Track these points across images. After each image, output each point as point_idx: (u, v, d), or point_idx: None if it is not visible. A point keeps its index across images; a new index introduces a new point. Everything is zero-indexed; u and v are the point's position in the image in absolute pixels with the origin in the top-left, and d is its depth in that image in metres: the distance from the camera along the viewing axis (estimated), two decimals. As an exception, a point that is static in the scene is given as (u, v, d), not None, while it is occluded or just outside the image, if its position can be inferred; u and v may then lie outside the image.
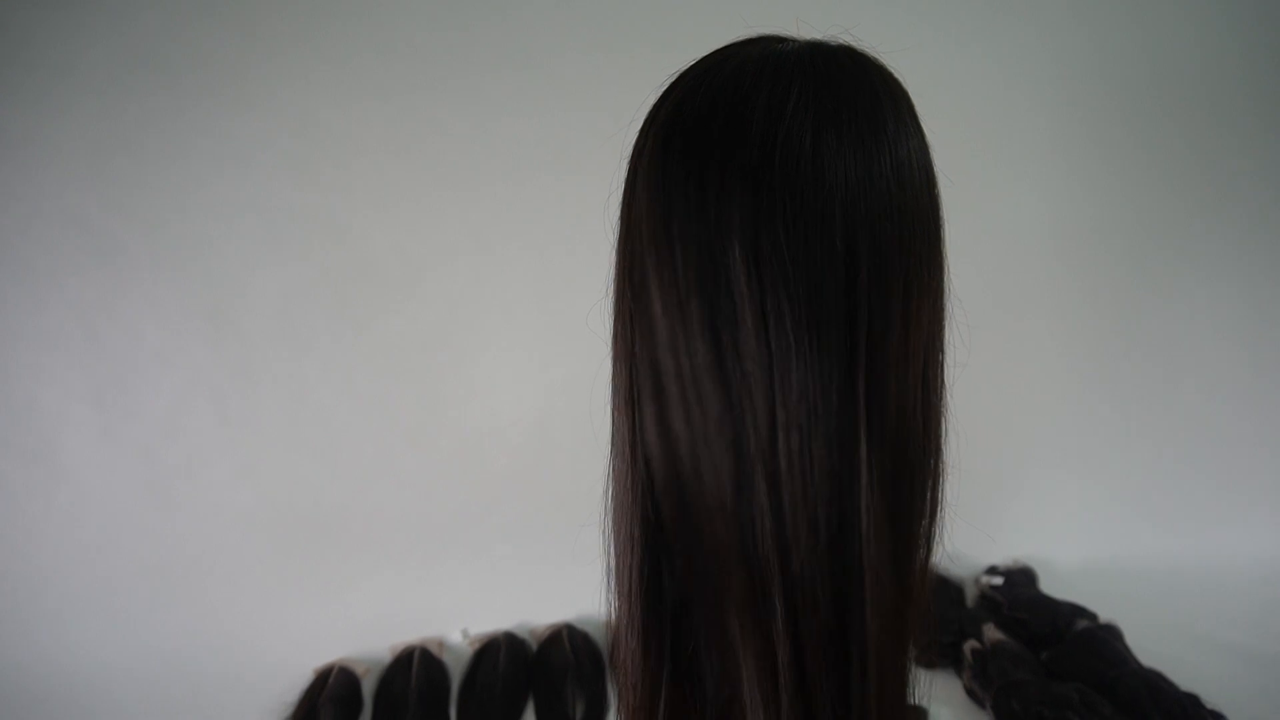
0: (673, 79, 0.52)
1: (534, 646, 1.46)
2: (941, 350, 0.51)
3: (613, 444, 0.54)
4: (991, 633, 1.34)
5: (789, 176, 0.44)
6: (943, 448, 0.52)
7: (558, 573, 1.38)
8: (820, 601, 0.46)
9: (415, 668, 1.39)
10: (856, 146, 0.46)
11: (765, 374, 0.44)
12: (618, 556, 0.54)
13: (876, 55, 0.53)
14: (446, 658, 1.45)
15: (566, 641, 1.43)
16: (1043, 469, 1.74)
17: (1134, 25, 1.63)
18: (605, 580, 0.54)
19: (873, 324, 0.45)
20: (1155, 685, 1.18)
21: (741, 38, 0.54)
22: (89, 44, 1.37)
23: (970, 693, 1.26)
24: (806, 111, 0.45)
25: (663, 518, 0.50)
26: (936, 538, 0.53)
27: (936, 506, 0.52)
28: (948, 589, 1.51)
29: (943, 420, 0.52)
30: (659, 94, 0.52)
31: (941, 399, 0.51)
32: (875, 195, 0.45)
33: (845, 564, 0.46)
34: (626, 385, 0.51)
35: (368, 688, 1.38)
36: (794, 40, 0.52)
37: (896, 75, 0.52)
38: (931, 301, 0.49)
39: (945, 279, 0.51)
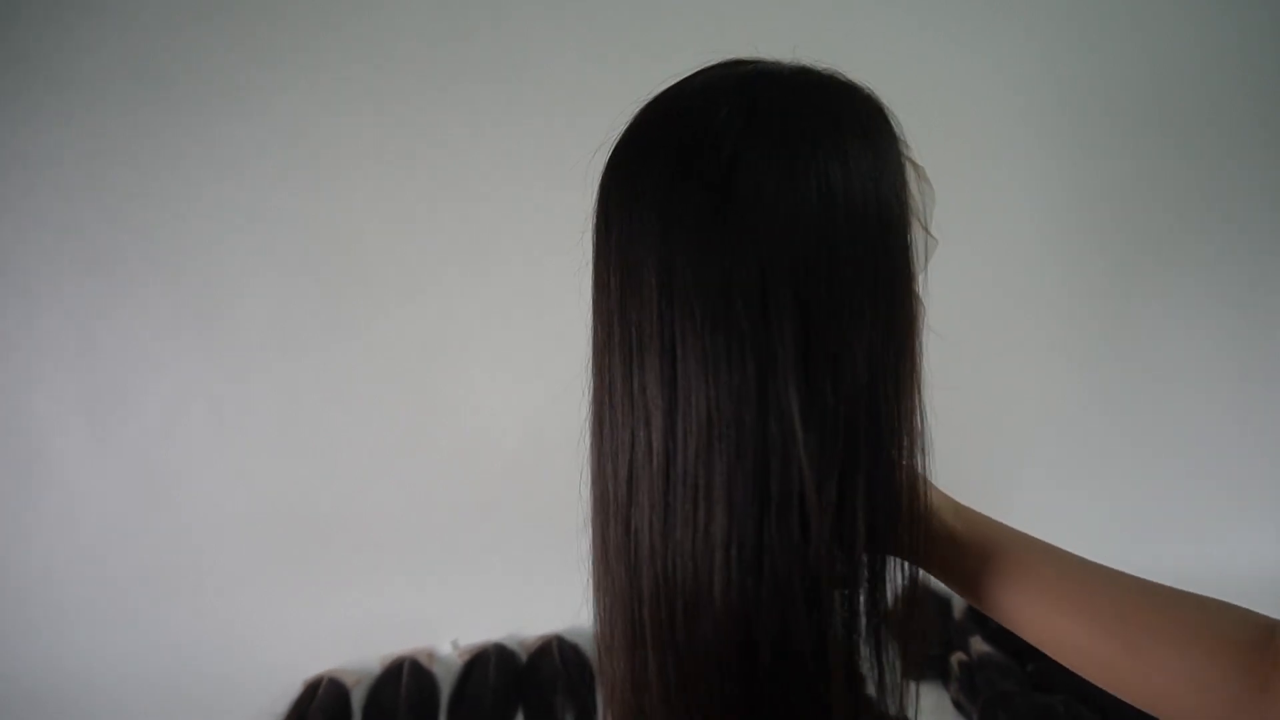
0: (647, 100, 0.53)
1: (524, 658, 1.46)
2: (900, 376, 0.48)
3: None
4: (978, 645, 1.35)
5: (703, 199, 0.44)
6: (911, 481, 0.49)
7: (548, 584, 1.38)
8: (702, 607, 0.46)
9: (405, 679, 1.39)
10: (780, 168, 0.44)
11: (667, 395, 0.45)
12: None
13: (852, 76, 0.52)
14: (436, 669, 1.45)
15: (556, 653, 1.43)
16: (1033, 478, 1.76)
17: (1127, 32, 1.66)
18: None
19: (798, 353, 0.44)
20: (1139, 697, 1.19)
21: (724, 58, 0.55)
22: (84, 57, 1.38)
23: (957, 704, 1.27)
24: (729, 132, 0.45)
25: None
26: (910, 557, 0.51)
27: (897, 540, 0.50)
28: (935, 601, 1.51)
29: (910, 444, 0.49)
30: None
31: (904, 422, 0.48)
32: (800, 218, 0.44)
33: (743, 577, 0.45)
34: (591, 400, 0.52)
35: (357, 699, 1.38)
36: (758, 62, 0.51)
37: (867, 96, 0.50)
38: (880, 328, 0.46)
39: (903, 302, 0.48)
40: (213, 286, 1.48)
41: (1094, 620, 0.46)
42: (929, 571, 0.56)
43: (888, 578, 0.50)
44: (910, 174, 0.54)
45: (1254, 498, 1.80)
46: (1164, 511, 1.77)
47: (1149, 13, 1.64)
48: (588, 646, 1.46)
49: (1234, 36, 1.67)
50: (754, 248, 0.44)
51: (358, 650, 1.46)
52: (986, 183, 1.66)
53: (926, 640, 0.58)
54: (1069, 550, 0.51)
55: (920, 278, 0.52)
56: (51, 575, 1.48)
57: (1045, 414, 1.78)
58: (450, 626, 1.53)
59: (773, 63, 0.51)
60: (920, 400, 0.50)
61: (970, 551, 0.52)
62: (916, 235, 0.53)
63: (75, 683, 1.41)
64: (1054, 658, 0.49)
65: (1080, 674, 0.49)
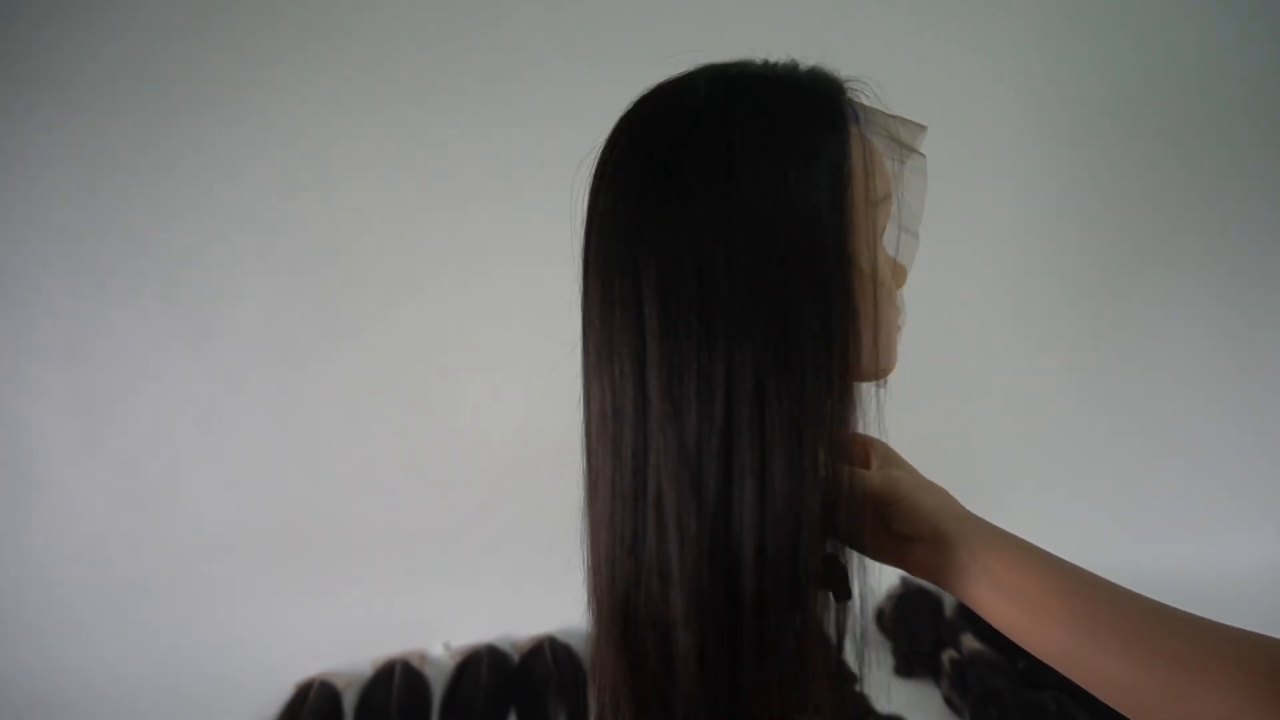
0: None
1: (516, 659, 1.46)
2: (806, 385, 0.46)
3: None
4: (970, 642, 1.35)
5: (606, 206, 0.49)
6: (832, 486, 0.49)
7: (540, 585, 1.38)
8: (600, 575, 0.51)
9: (397, 681, 1.39)
10: (659, 177, 0.47)
11: (584, 383, 0.52)
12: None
13: (821, 68, 0.53)
14: (428, 671, 1.44)
15: (548, 654, 1.43)
16: (1034, 477, 1.76)
17: (1127, 33, 1.66)
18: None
19: (664, 355, 0.46)
20: (1130, 693, 1.19)
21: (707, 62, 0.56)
22: (81, 61, 1.38)
23: (949, 701, 1.28)
24: (641, 139, 0.50)
25: None
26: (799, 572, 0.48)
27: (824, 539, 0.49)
28: (927, 599, 1.52)
29: (830, 452, 0.48)
30: None
31: (813, 431, 0.47)
32: (667, 229, 0.46)
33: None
34: None
35: (349, 701, 1.37)
36: (721, 65, 0.53)
37: (802, 93, 0.49)
38: (771, 335, 0.46)
39: (810, 308, 0.46)
40: (204, 291, 1.47)
41: (1130, 651, 0.44)
42: (912, 574, 0.55)
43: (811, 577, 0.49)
44: (890, 172, 0.53)
45: (1254, 497, 1.80)
46: (1164, 511, 1.78)
47: (1148, 14, 1.65)
48: (580, 647, 1.46)
49: (1232, 37, 1.68)
50: (630, 254, 0.47)
51: (349, 652, 1.46)
52: (987, 184, 1.66)
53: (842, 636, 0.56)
54: (1083, 566, 0.50)
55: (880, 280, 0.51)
56: (43, 578, 1.47)
57: (1045, 414, 1.79)
58: (442, 628, 1.52)
59: (736, 64, 0.52)
60: (847, 409, 0.49)
61: (967, 560, 0.51)
62: (882, 234, 0.52)
63: (67, 685, 1.40)
64: (1069, 676, 0.48)
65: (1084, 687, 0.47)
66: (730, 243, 0.45)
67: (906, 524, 0.54)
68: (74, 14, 1.36)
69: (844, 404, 0.48)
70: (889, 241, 0.56)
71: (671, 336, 0.46)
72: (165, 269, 1.45)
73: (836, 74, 0.55)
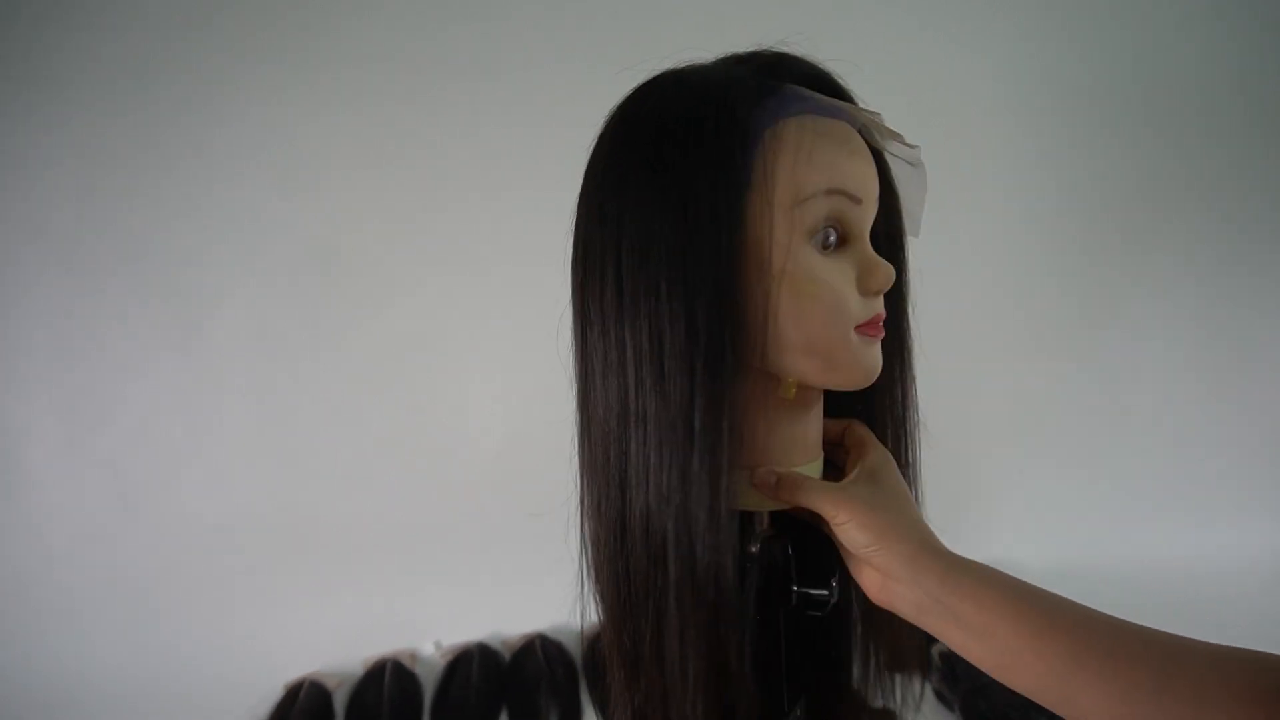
0: None
1: (507, 657, 1.46)
2: (647, 388, 0.50)
3: None
4: (958, 637, 1.36)
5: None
6: (636, 467, 0.51)
7: (531, 582, 1.38)
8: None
9: (388, 681, 1.38)
10: (589, 181, 0.55)
11: None
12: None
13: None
14: (419, 670, 1.44)
15: (540, 651, 1.43)
16: (1028, 476, 1.77)
17: (1127, 32, 1.70)
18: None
19: (579, 350, 0.55)
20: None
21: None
22: (81, 61, 1.38)
23: (939, 695, 1.29)
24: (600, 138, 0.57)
25: None
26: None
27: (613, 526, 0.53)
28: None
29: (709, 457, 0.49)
30: None
31: (643, 422, 0.50)
32: (580, 227, 0.55)
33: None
34: None
35: (339, 701, 1.36)
36: (675, 70, 0.57)
37: (695, 99, 0.51)
38: (637, 348, 0.50)
39: (684, 316, 0.49)
40: (203, 290, 1.48)
41: (1111, 686, 0.44)
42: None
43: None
44: (839, 168, 0.52)
45: (1254, 490, 1.83)
46: (1166, 510, 1.79)
47: (1147, 13, 1.69)
48: (571, 644, 1.46)
49: (1233, 37, 1.72)
50: (575, 252, 0.55)
51: (339, 653, 1.45)
52: (986, 183, 1.69)
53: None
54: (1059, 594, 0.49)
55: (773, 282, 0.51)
56: (36, 578, 1.46)
57: (1046, 412, 1.80)
58: (433, 627, 1.52)
59: (679, 70, 0.56)
60: (725, 408, 0.49)
61: (923, 599, 0.51)
62: (810, 234, 0.52)
63: (63, 684, 1.39)
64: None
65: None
66: (620, 246, 0.50)
67: (848, 545, 0.54)
68: (74, 14, 1.36)
69: (722, 402, 0.49)
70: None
71: (586, 325, 0.53)
72: (162, 269, 1.45)
73: (804, 62, 0.57)
